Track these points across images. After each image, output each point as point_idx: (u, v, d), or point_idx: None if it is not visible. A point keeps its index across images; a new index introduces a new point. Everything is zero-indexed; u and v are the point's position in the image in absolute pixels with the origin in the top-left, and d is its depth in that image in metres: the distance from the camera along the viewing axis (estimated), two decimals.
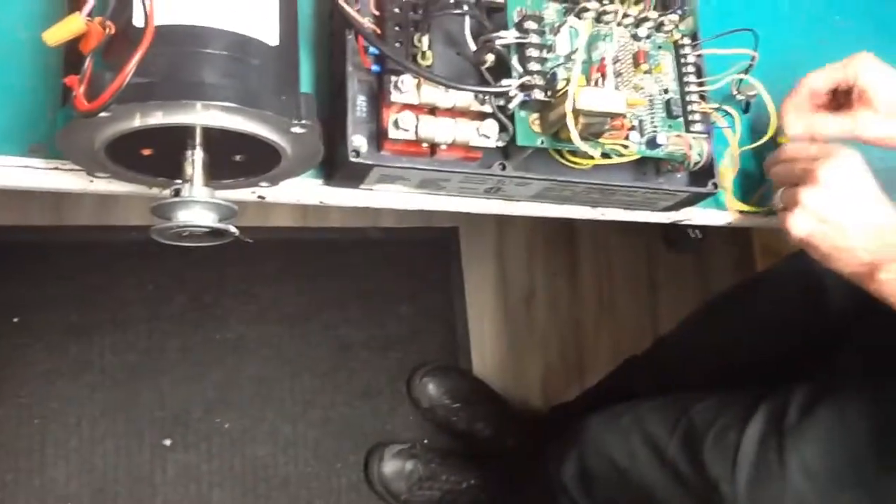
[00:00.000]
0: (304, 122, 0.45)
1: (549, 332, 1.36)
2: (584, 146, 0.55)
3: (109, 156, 0.47)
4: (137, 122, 0.43)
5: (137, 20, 0.43)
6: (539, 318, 1.36)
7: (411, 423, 1.22)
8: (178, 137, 0.45)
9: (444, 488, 1.13)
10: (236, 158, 0.49)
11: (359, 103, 0.57)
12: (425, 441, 1.20)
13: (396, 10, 0.58)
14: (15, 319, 1.08)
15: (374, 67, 0.57)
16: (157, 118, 0.43)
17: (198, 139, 0.46)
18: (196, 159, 0.46)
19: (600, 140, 0.57)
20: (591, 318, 1.38)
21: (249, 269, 1.18)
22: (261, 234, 1.18)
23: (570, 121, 0.53)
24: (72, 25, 0.42)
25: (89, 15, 0.43)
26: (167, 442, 1.11)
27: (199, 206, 0.46)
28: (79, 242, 1.14)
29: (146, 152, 0.47)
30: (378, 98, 0.57)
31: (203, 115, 0.43)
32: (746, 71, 0.65)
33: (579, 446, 0.82)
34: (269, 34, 0.46)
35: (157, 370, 1.13)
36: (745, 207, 0.68)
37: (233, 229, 0.47)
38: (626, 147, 0.58)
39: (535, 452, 1.11)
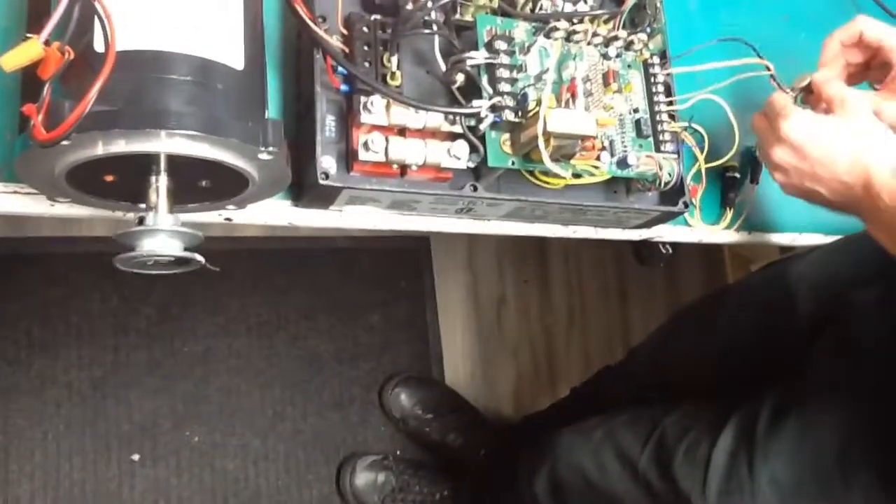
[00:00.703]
0: (271, 148, 0.45)
1: (521, 341, 1.36)
2: (555, 168, 0.55)
3: (70, 182, 0.45)
4: (100, 150, 0.42)
5: (98, 45, 0.42)
6: (510, 327, 1.36)
7: (383, 434, 1.21)
8: (142, 164, 0.44)
9: (417, 500, 1.12)
10: (202, 184, 0.48)
11: (327, 123, 0.56)
12: (398, 452, 1.19)
13: (365, 28, 0.57)
14: None
15: (343, 87, 0.56)
16: (120, 146, 0.42)
17: (162, 166, 0.45)
18: (160, 186, 0.45)
19: (572, 161, 0.57)
20: (562, 327, 1.39)
21: (216, 281, 1.17)
22: (227, 245, 1.17)
23: (541, 143, 0.53)
24: (29, 51, 0.41)
25: (47, 40, 0.42)
26: (135, 457, 1.09)
27: (164, 234, 0.45)
28: (40, 254, 1.11)
29: (109, 178, 0.46)
30: (347, 118, 0.56)
31: (167, 144, 0.42)
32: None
33: (552, 460, 0.82)
34: (235, 58, 0.46)
35: (123, 384, 1.11)
36: (714, 227, 0.69)
37: (199, 258, 0.46)
38: (597, 167, 0.58)
39: (506, 462, 1.11)
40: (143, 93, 0.42)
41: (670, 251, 0.73)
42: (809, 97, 0.64)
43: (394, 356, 1.25)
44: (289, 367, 1.19)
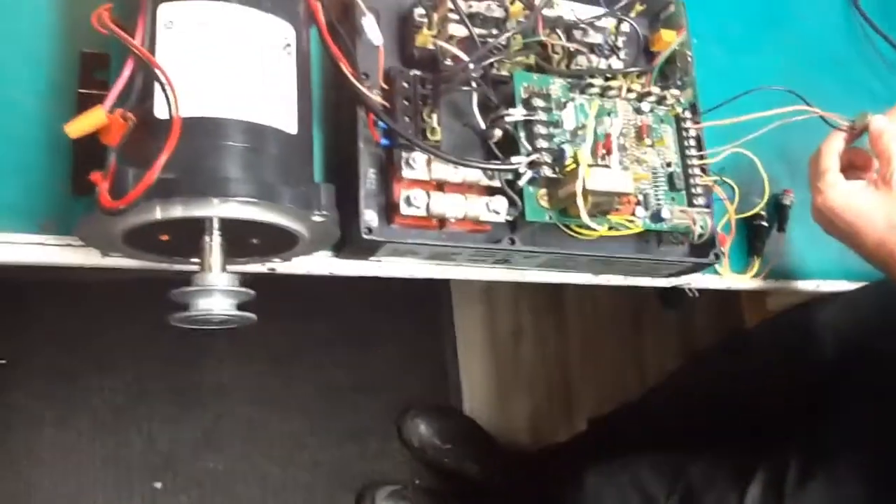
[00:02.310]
0: (323, 212, 0.46)
1: (537, 371, 1.37)
2: (592, 223, 0.56)
3: (127, 242, 0.47)
4: (158, 215, 0.43)
5: (158, 111, 0.43)
6: (526, 358, 1.37)
7: (401, 463, 1.21)
8: (197, 225, 0.46)
9: None
10: (253, 241, 0.49)
11: (369, 177, 0.57)
12: (416, 482, 1.20)
13: (405, 84, 0.59)
14: (3, 361, 1.07)
15: (384, 141, 0.57)
16: (178, 212, 0.43)
17: (216, 227, 0.46)
18: (214, 246, 0.46)
19: (608, 216, 0.58)
20: (578, 358, 1.39)
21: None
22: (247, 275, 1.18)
23: (579, 200, 0.54)
24: (94, 119, 0.42)
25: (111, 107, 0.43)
26: (158, 485, 1.10)
27: (218, 293, 0.46)
28: (60, 283, 1.12)
29: (163, 237, 0.47)
30: (387, 171, 0.58)
31: (223, 209, 0.43)
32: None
33: (574, 500, 0.82)
34: (289, 123, 0.47)
35: (144, 413, 1.12)
36: (743, 276, 0.70)
37: (251, 316, 0.47)
38: (631, 221, 0.60)
39: (526, 493, 1.11)
40: (200, 160, 0.43)
41: (697, 296, 0.74)
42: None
43: (412, 386, 1.26)
44: (308, 397, 1.20)
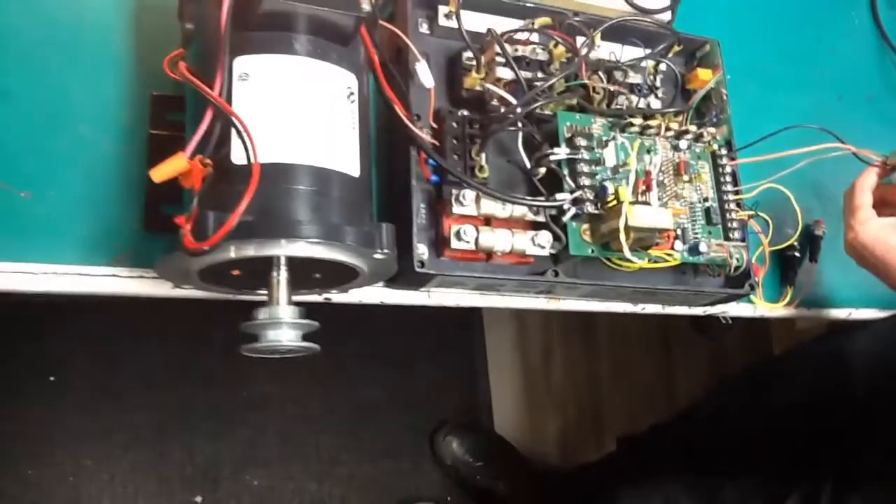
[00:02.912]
0: (385, 250, 0.49)
1: (567, 390, 1.39)
2: (633, 257, 0.59)
3: (202, 277, 0.50)
4: (232, 254, 0.46)
5: (236, 158, 0.46)
6: (557, 376, 1.39)
7: (434, 480, 1.24)
8: (266, 262, 0.49)
9: None
10: (316, 275, 0.52)
11: (420, 212, 0.60)
12: (448, 499, 1.22)
13: (454, 124, 0.62)
14: (51, 378, 1.11)
15: (434, 178, 0.61)
16: (251, 251, 0.46)
17: (283, 265, 0.49)
18: (281, 280, 0.49)
19: (648, 250, 0.60)
20: (607, 377, 1.41)
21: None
22: None
23: (622, 236, 0.57)
24: (176, 165, 0.46)
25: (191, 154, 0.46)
26: (198, 499, 1.13)
27: (286, 325, 0.49)
28: (107, 302, 1.16)
29: (235, 272, 0.50)
30: (436, 206, 0.61)
31: (292, 249, 0.47)
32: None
33: None
34: (352, 166, 0.50)
35: (185, 428, 1.15)
36: (776, 305, 0.72)
37: (315, 347, 0.50)
38: (670, 255, 0.62)
39: None
40: (272, 203, 0.47)
41: (731, 323, 0.76)
42: None
43: (444, 404, 1.29)
44: (344, 414, 1.23)
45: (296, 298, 0.56)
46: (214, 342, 1.18)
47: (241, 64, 0.48)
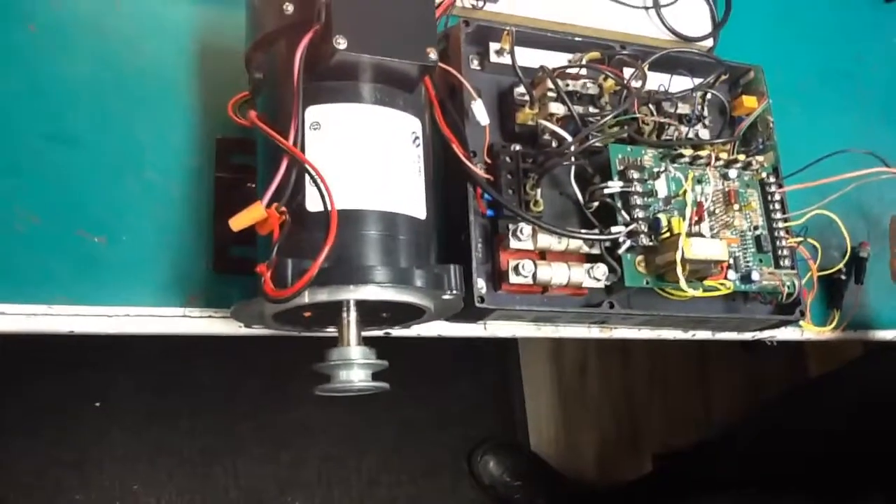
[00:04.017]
0: (454, 291, 0.50)
1: (603, 406, 1.40)
2: (688, 289, 0.60)
3: (276, 319, 0.51)
4: (306, 300, 0.48)
5: (310, 205, 0.48)
6: (592, 392, 1.40)
7: (473, 499, 1.25)
8: (337, 305, 0.50)
9: None
10: (383, 315, 0.54)
11: (477, 247, 0.61)
12: None
13: (508, 159, 0.63)
14: (97, 404, 1.13)
15: (489, 212, 0.62)
16: (323, 297, 0.48)
17: (353, 307, 0.50)
18: (351, 322, 0.51)
19: (703, 282, 0.61)
20: (644, 391, 1.42)
21: (317, 350, 1.23)
22: None
23: (678, 269, 0.58)
24: (254, 214, 0.47)
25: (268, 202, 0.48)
26: None
27: (356, 366, 0.50)
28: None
29: (307, 314, 0.52)
30: (492, 241, 0.62)
31: (362, 292, 0.48)
32: None
33: None
34: (419, 209, 0.51)
35: (230, 451, 1.17)
36: (824, 329, 0.72)
37: (385, 385, 0.51)
38: (723, 284, 0.63)
39: None
40: (345, 249, 0.48)
41: (776, 344, 0.77)
42: None
43: (481, 422, 1.30)
44: (383, 434, 1.24)
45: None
46: (258, 366, 1.20)
47: (313, 113, 0.49)
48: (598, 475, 1.34)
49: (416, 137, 0.52)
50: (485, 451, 1.23)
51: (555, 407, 1.36)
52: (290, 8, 0.50)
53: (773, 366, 1.42)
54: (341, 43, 0.47)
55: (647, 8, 0.76)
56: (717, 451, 0.98)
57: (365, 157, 0.49)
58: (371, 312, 0.52)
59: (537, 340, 1.37)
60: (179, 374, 1.17)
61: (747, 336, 0.72)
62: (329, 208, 0.46)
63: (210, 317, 0.57)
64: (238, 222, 0.47)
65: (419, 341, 1.24)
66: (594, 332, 0.67)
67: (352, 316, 0.51)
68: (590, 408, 1.39)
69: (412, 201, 0.51)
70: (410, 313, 0.53)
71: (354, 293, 0.48)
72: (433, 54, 0.50)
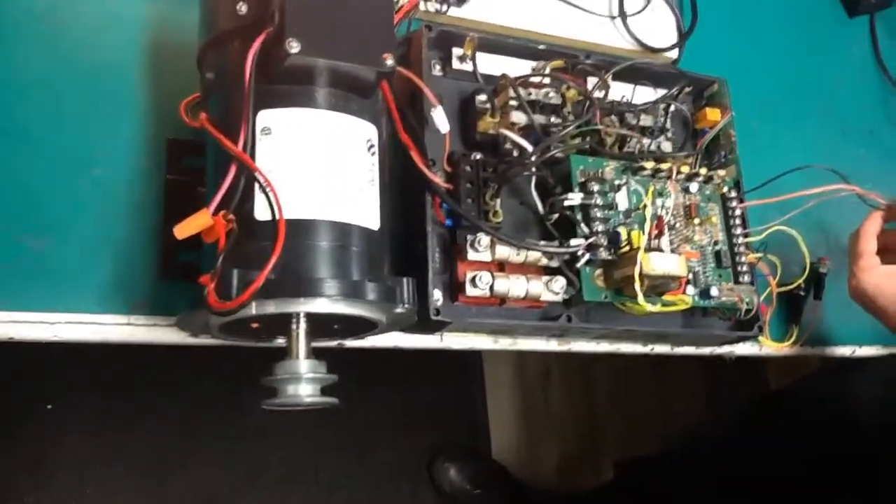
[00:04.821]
0: (407, 305, 0.49)
1: (565, 415, 1.39)
2: (646, 304, 0.59)
3: (222, 331, 0.50)
4: (253, 311, 0.46)
5: (259, 214, 0.46)
6: (555, 401, 1.39)
7: None
8: (286, 316, 0.49)
9: None
10: (335, 327, 0.52)
11: (434, 257, 0.60)
12: None
13: (468, 167, 0.62)
14: (49, 406, 1.10)
15: (448, 221, 0.61)
16: (271, 308, 0.46)
17: (303, 319, 0.49)
18: (301, 334, 0.49)
19: (662, 297, 0.61)
20: (606, 399, 1.42)
21: (275, 353, 1.21)
22: None
23: (636, 283, 0.57)
24: (201, 221, 0.46)
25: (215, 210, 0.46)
26: None
27: (304, 380, 0.49)
28: None
29: (254, 325, 0.50)
30: (450, 250, 0.61)
31: (312, 305, 0.47)
32: None
33: None
34: (372, 219, 0.50)
35: (187, 454, 1.15)
36: (782, 344, 0.72)
37: (334, 401, 0.50)
38: (682, 299, 0.62)
39: None
40: (294, 261, 0.46)
41: (734, 359, 0.77)
42: None
43: (443, 428, 1.29)
44: (343, 439, 1.23)
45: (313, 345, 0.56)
46: (216, 368, 1.17)
47: (264, 118, 0.48)
48: (559, 483, 1.34)
49: (372, 145, 0.51)
50: (445, 458, 1.22)
51: (517, 414, 1.36)
52: (243, 8, 0.49)
53: (734, 375, 1.42)
54: (294, 46, 0.46)
55: (613, 17, 0.75)
56: (678, 460, 0.98)
57: (317, 165, 0.48)
58: (322, 324, 0.51)
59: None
60: (135, 376, 1.14)
61: (706, 351, 0.72)
62: (277, 217, 0.45)
63: (155, 325, 0.55)
64: (183, 230, 0.46)
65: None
66: (552, 345, 0.66)
67: (301, 328, 0.49)
68: (552, 416, 1.38)
69: (365, 211, 0.50)
70: (363, 326, 0.52)
71: (304, 306, 0.47)
72: (390, 60, 0.48)
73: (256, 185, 0.46)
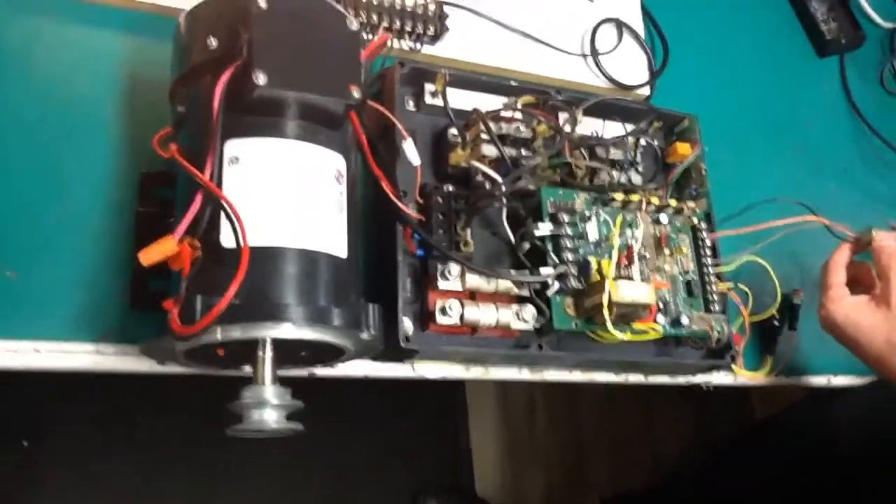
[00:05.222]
0: (371, 331, 0.49)
1: (550, 448, 1.38)
2: (616, 332, 0.59)
3: (188, 357, 0.50)
4: (218, 337, 0.46)
5: (225, 241, 0.47)
6: (540, 433, 1.38)
7: None
8: (252, 342, 0.49)
9: None
10: (302, 353, 0.53)
11: (406, 286, 0.60)
12: None
13: (440, 199, 0.63)
14: (25, 443, 1.09)
15: (419, 252, 0.61)
16: (236, 334, 0.46)
17: (269, 345, 0.49)
18: (266, 360, 0.49)
19: (631, 324, 0.61)
20: (591, 433, 1.41)
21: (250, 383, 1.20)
22: None
23: (605, 312, 0.58)
24: (166, 247, 0.46)
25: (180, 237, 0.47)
26: None
27: (269, 406, 0.49)
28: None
29: (220, 351, 0.50)
30: (422, 280, 0.61)
31: (278, 331, 0.47)
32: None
33: None
34: (340, 248, 0.50)
35: (164, 491, 1.14)
36: (757, 374, 0.73)
37: (300, 426, 0.50)
38: (653, 328, 0.63)
39: None
40: (260, 287, 0.46)
41: (712, 389, 0.77)
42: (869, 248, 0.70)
43: (425, 463, 1.28)
44: (322, 476, 1.22)
45: (281, 373, 0.56)
46: (194, 405, 1.17)
47: (232, 147, 0.48)
48: None
49: (340, 175, 0.52)
50: (428, 495, 1.21)
51: (502, 449, 1.35)
52: (213, 43, 0.50)
53: (720, 406, 1.42)
54: (261, 78, 0.47)
55: (585, 56, 0.77)
56: (664, 496, 0.97)
57: (283, 193, 0.49)
58: (289, 351, 0.51)
59: (484, 382, 1.36)
60: (114, 411, 1.13)
61: (681, 381, 0.72)
62: (241, 244, 0.45)
63: (124, 354, 0.55)
64: (148, 256, 0.46)
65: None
66: (525, 374, 0.66)
67: (267, 354, 0.49)
68: (537, 450, 1.37)
69: (332, 239, 0.50)
70: (330, 352, 0.52)
71: (270, 331, 0.47)
72: (356, 92, 0.49)
73: (222, 213, 0.47)
